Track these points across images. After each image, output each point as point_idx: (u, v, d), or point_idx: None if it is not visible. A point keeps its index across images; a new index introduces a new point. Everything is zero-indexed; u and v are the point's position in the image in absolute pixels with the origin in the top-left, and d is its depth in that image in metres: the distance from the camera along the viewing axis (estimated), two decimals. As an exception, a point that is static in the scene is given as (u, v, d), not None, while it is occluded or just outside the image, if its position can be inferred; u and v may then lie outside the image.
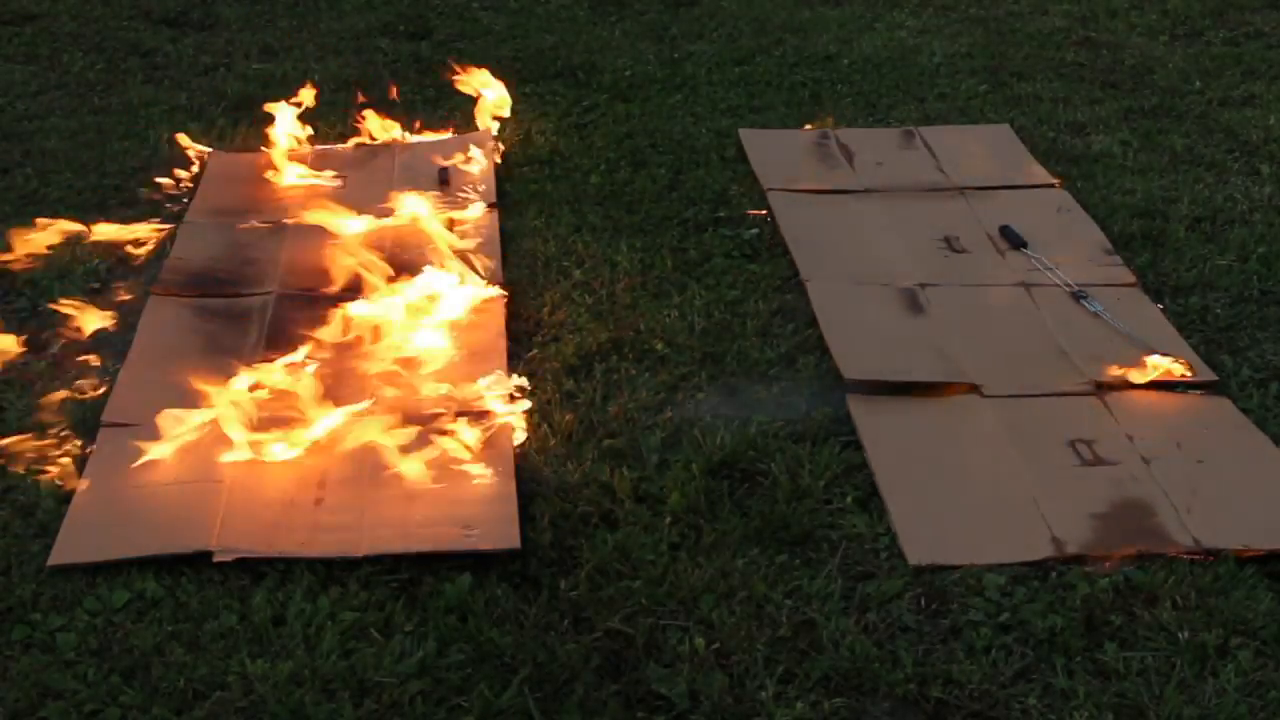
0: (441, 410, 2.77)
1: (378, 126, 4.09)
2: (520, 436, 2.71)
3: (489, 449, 2.66)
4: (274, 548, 2.39)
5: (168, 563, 2.36)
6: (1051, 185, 3.84)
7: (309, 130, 4.07)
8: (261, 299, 3.21)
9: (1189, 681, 2.16)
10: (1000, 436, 2.76)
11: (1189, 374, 2.92)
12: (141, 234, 3.52)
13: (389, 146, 4.06)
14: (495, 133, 4.13)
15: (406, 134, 4.10)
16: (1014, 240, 3.51)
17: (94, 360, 2.99)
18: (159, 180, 3.80)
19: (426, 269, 3.25)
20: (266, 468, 2.61)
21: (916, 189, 3.84)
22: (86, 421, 2.76)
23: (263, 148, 4.00)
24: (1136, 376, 2.92)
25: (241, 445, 2.63)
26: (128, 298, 3.24)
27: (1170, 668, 2.18)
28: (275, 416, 2.74)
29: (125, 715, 2.08)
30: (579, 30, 5.15)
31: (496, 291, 3.20)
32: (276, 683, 2.12)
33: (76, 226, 3.49)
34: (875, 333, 3.11)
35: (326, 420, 2.71)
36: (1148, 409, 2.86)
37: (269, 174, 3.84)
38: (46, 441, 2.70)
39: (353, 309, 3.10)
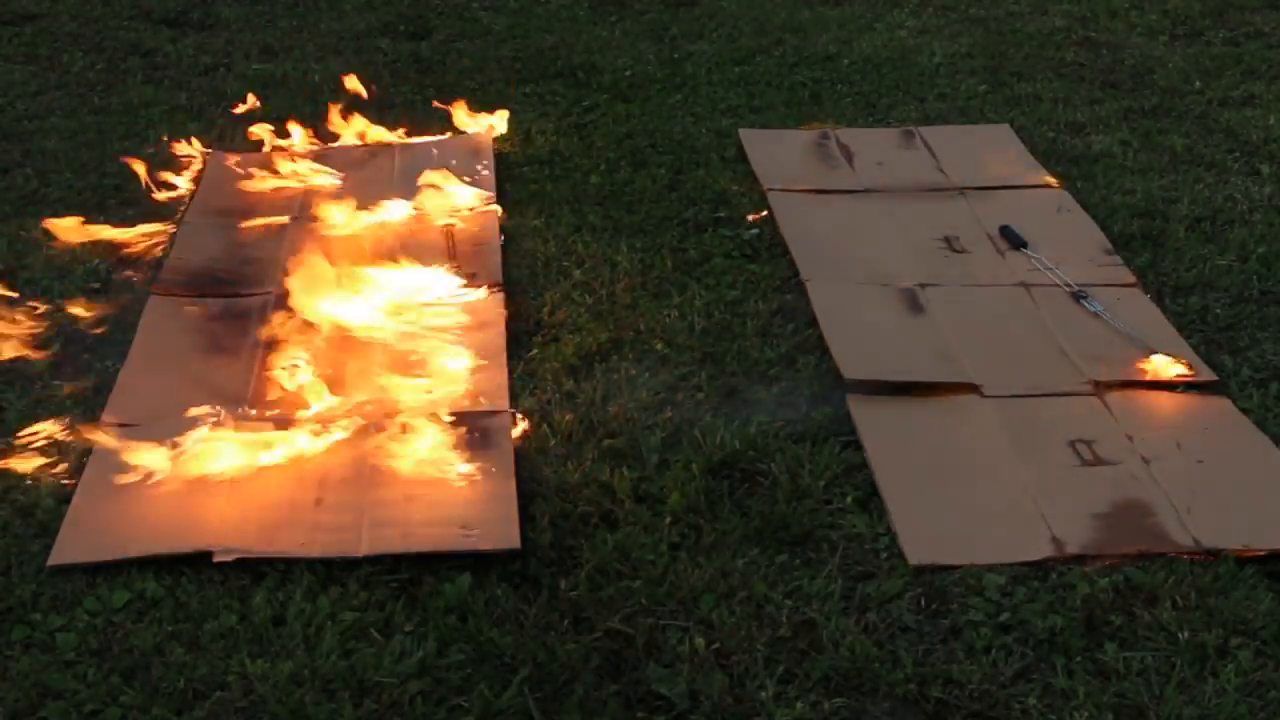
0: (441, 410, 2.77)
1: (341, 124, 4.09)
2: (520, 426, 2.72)
3: (489, 449, 2.66)
4: (274, 548, 2.39)
5: (168, 563, 2.37)
6: (1051, 185, 3.84)
7: (308, 130, 4.08)
8: (261, 299, 3.21)
9: (1189, 681, 2.16)
10: (1000, 436, 2.76)
11: (1189, 374, 2.92)
12: (141, 234, 3.52)
13: (389, 146, 4.07)
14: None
15: (373, 129, 4.09)
16: (1014, 240, 3.51)
17: (94, 360, 2.99)
18: (160, 180, 3.81)
19: (426, 268, 3.25)
20: (266, 468, 2.61)
21: (916, 189, 3.84)
22: (86, 422, 2.76)
23: (261, 149, 4.01)
24: (1136, 376, 2.92)
25: (238, 445, 2.64)
26: (128, 298, 3.24)
27: (1170, 668, 2.18)
28: (276, 417, 2.75)
29: (125, 715, 2.08)
30: (579, 30, 5.15)
31: (489, 293, 3.20)
32: (276, 683, 2.12)
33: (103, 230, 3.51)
34: (875, 333, 3.11)
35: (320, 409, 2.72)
36: (1148, 409, 2.86)
37: (269, 173, 3.85)
38: (46, 442, 2.70)
39: (351, 310, 3.10)
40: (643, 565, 2.38)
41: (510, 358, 2.97)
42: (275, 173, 3.85)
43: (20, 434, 2.72)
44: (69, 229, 3.45)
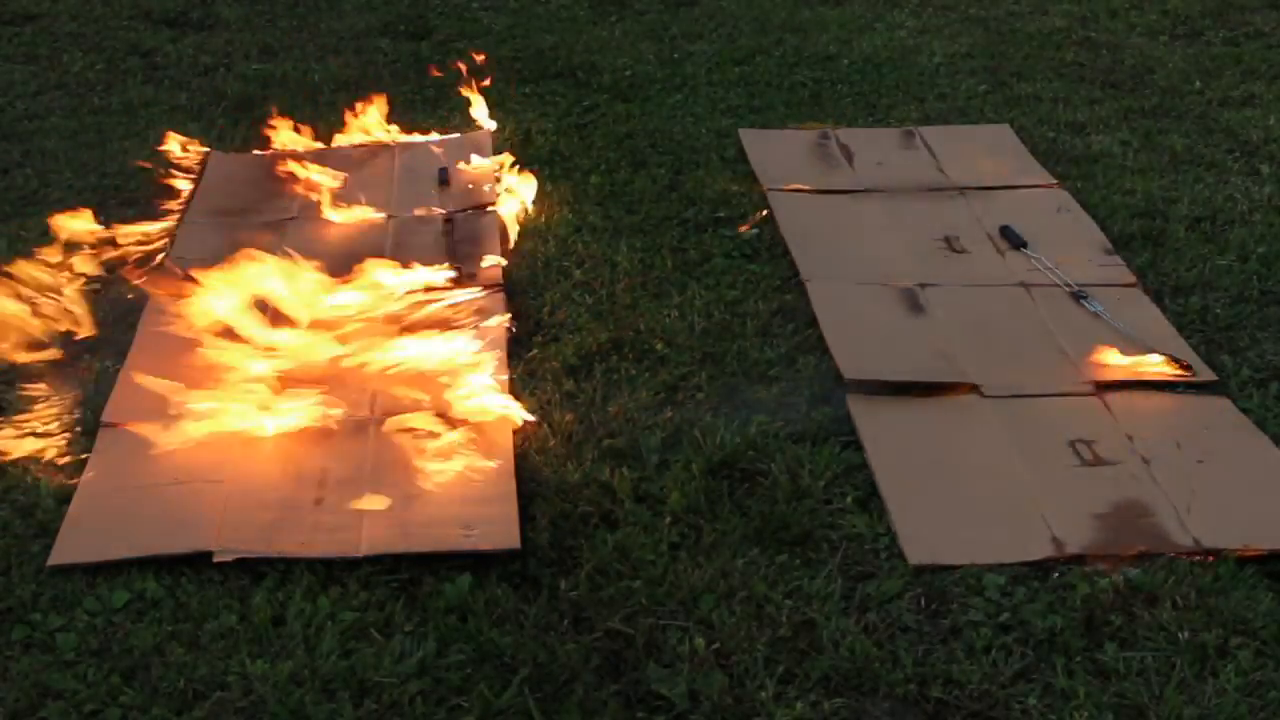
0: (440, 410, 2.77)
1: (288, 139, 4.06)
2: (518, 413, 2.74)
3: (488, 449, 2.66)
4: (274, 548, 2.39)
5: (168, 563, 2.37)
6: (1051, 185, 3.84)
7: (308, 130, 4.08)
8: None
9: (1189, 681, 2.16)
10: (1000, 436, 2.76)
11: (1188, 374, 2.92)
12: (141, 234, 3.52)
13: (389, 146, 4.07)
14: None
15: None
16: (1014, 240, 3.51)
17: (94, 360, 2.99)
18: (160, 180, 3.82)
19: (426, 268, 3.26)
20: (267, 468, 2.61)
21: (916, 189, 3.84)
22: (86, 421, 2.76)
23: (261, 149, 4.01)
24: (1136, 376, 2.92)
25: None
26: (128, 298, 3.24)
27: (1170, 668, 2.18)
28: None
29: (125, 715, 2.08)
30: (579, 30, 5.15)
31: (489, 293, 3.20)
32: (276, 683, 2.12)
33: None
34: (875, 333, 3.11)
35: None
36: (1148, 409, 2.86)
37: (269, 173, 3.85)
38: (46, 441, 2.70)
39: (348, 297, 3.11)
40: (643, 565, 2.38)
41: (510, 358, 2.98)
42: (275, 173, 3.85)
43: (20, 434, 2.72)
44: (76, 226, 3.45)
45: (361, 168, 3.93)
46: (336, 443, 2.70)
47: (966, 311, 3.21)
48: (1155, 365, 2.95)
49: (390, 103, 4.19)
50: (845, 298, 3.24)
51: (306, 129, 4.06)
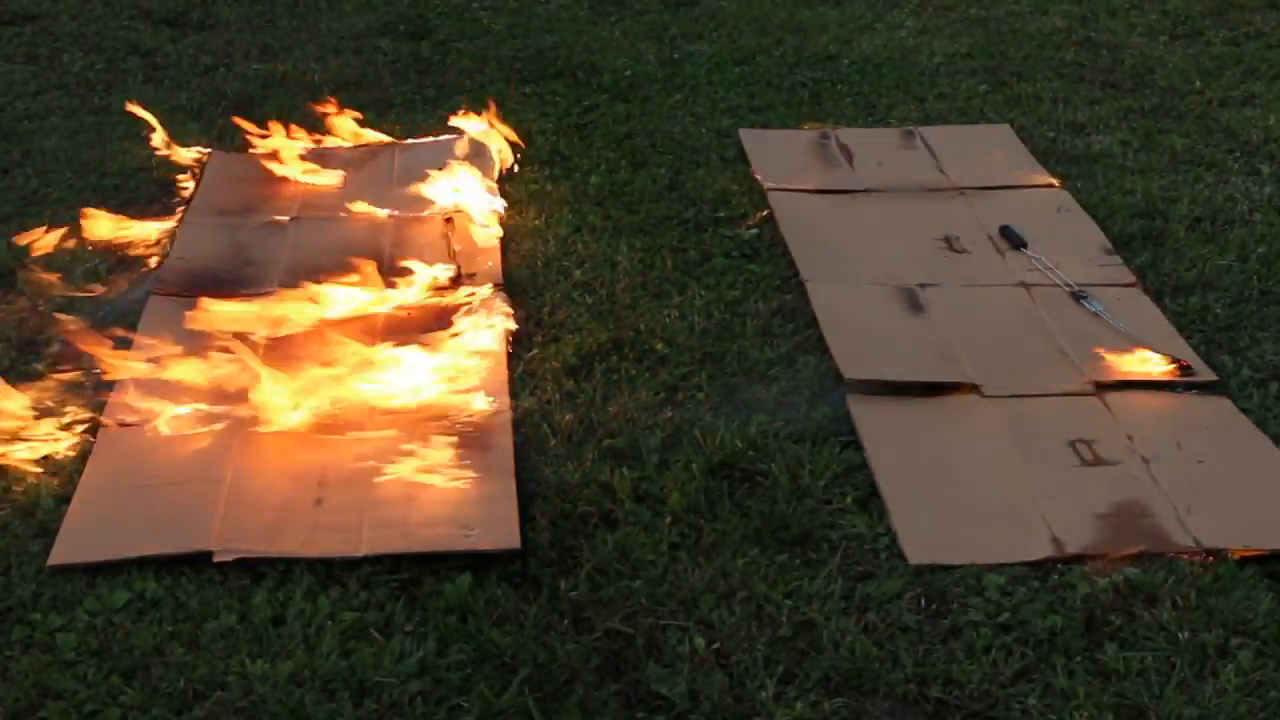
0: (440, 410, 2.77)
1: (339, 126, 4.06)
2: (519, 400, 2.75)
3: (489, 449, 2.66)
4: (274, 548, 2.39)
5: (168, 563, 2.37)
6: (1051, 185, 3.84)
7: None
8: (261, 299, 3.21)
9: (1189, 681, 2.16)
10: (1000, 436, 2.76)
11: (1188, 374, 2.92)
12: (141, 234, 3.52)
13: (389, 146, 4.07)
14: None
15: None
16: (1014, 240, 3.51)
17: (94, 360, 2.98)
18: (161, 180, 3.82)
19: (425, 268, 3.26)
20: (267, 467, 2.61)
21: (916, 189, 3.84)
22: (86, 421, 2.76)
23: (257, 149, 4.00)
24: (1136, 376, 2.92)
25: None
26: (128, 298, 3.24)
27: (1170, 668, 2.18)
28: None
29: (125, 715, 2.08)
30: (579, 30, 5.15)
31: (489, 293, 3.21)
32: (276, 683, 2.12)
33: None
34: (875, 333, 3.11)
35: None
36: (1148, 409, 2.86)
37: (269, 173, 3.84)
38: (47, 441, 2.70)
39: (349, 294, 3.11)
40: (643, 565, 2.38)
41: (510, 358, 2.98)
42: (275, 172, 3.84)
43: (20, 434, 2.72)
44: (98, 223, 3.45)
45: (361, 167, 3.93)
46: (337, 442, 2.70)
47: (966, 311, 3.21)
48: (1155, 365, 2.95)
49: (390, 103, 4.18)
50: (845, 298, 3.24)
51: (300, 130, 4.06)
